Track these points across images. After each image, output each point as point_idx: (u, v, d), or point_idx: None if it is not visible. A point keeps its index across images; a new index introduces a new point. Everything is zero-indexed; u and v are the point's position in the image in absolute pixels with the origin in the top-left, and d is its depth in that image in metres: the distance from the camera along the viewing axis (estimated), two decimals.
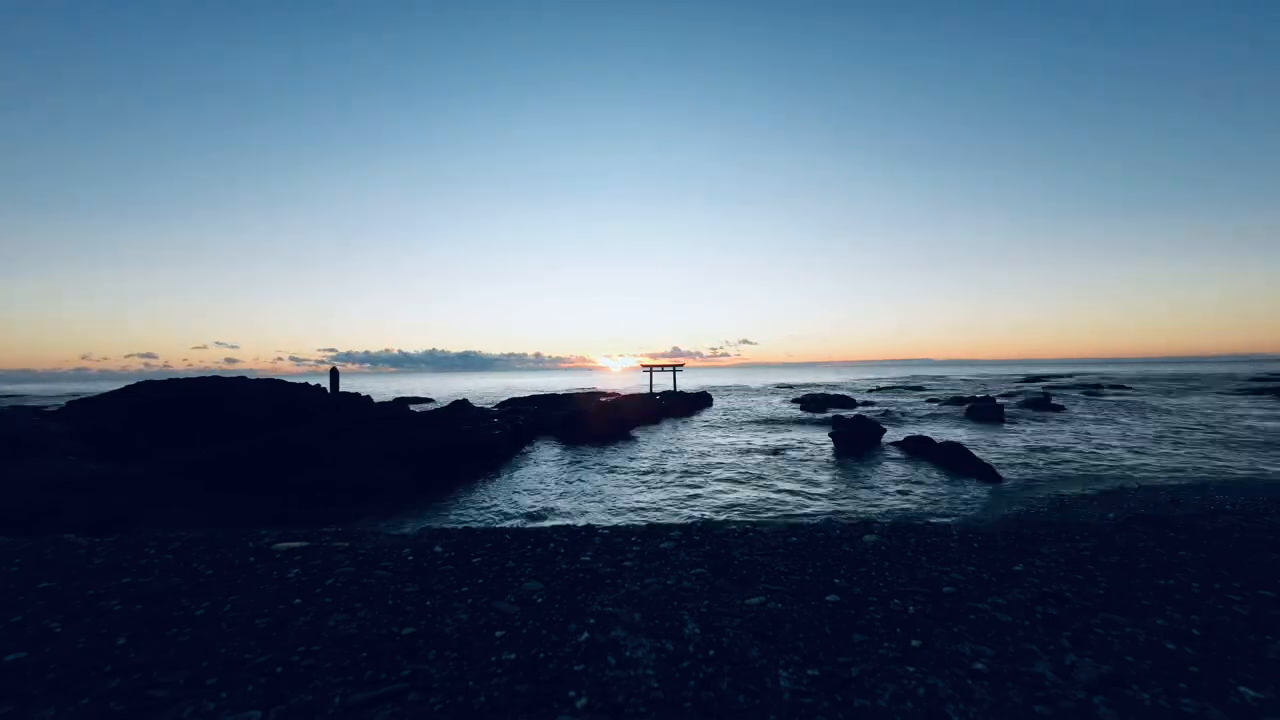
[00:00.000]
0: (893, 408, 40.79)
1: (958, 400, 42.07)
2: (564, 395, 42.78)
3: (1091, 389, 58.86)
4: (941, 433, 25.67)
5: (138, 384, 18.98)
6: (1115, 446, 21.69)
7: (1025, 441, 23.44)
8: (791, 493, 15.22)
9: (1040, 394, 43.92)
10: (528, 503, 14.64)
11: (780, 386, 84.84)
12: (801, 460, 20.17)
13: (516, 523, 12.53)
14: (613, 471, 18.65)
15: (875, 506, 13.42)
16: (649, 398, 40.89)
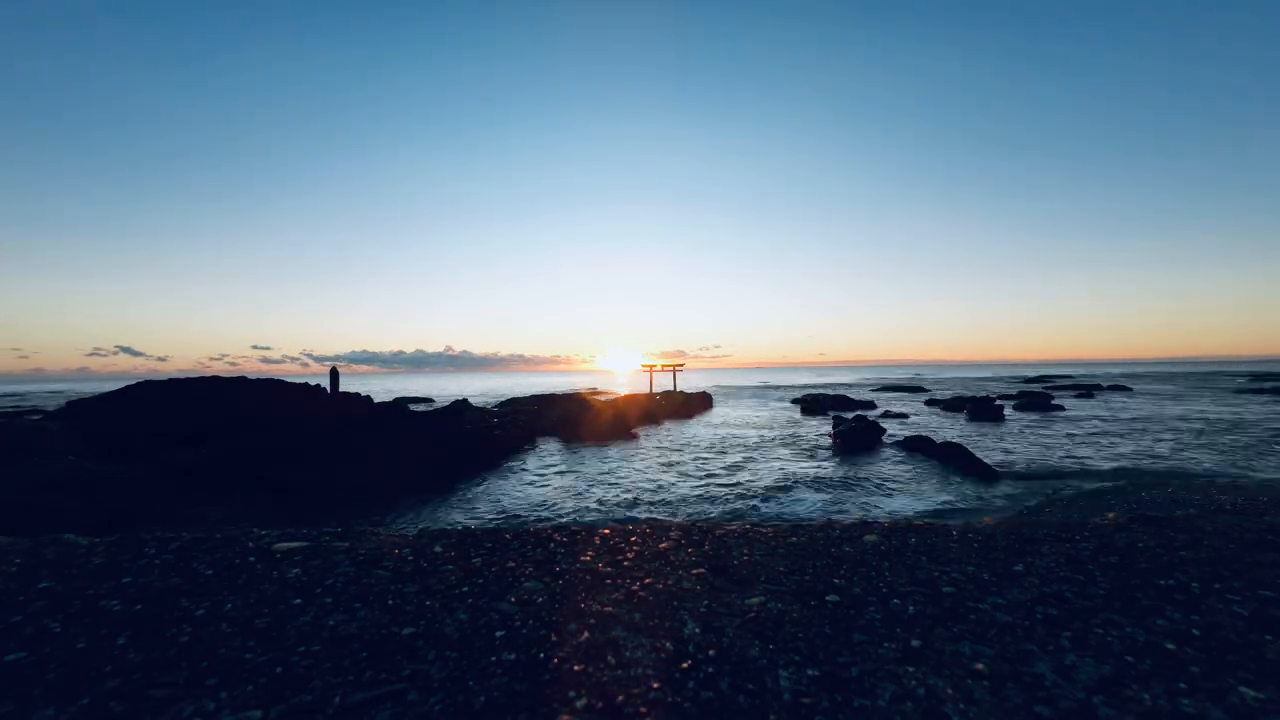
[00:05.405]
0: (892, 408, 40.77)
1: (957, 401, 42.06)
2: (564, 395, 42.78)
3: (1091, 390, 58.88)
4: (941, 433, 25.66)
5: (137, 384, 18.97)
6: (1115, 446, 21.68)
7: (1025, 442, 23.42)
8: (791, 493, 15.21)
9: (1040, 394, 43.92)
10: (528, 503, 14.63)
11: (780, 387, 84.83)
12: (801, 460, 20.15)
13: (516, 523, 12.52)
14: (613, 472, 18.64)
15: (875, 506, 13.41)
16: (649, 398, 40.90)
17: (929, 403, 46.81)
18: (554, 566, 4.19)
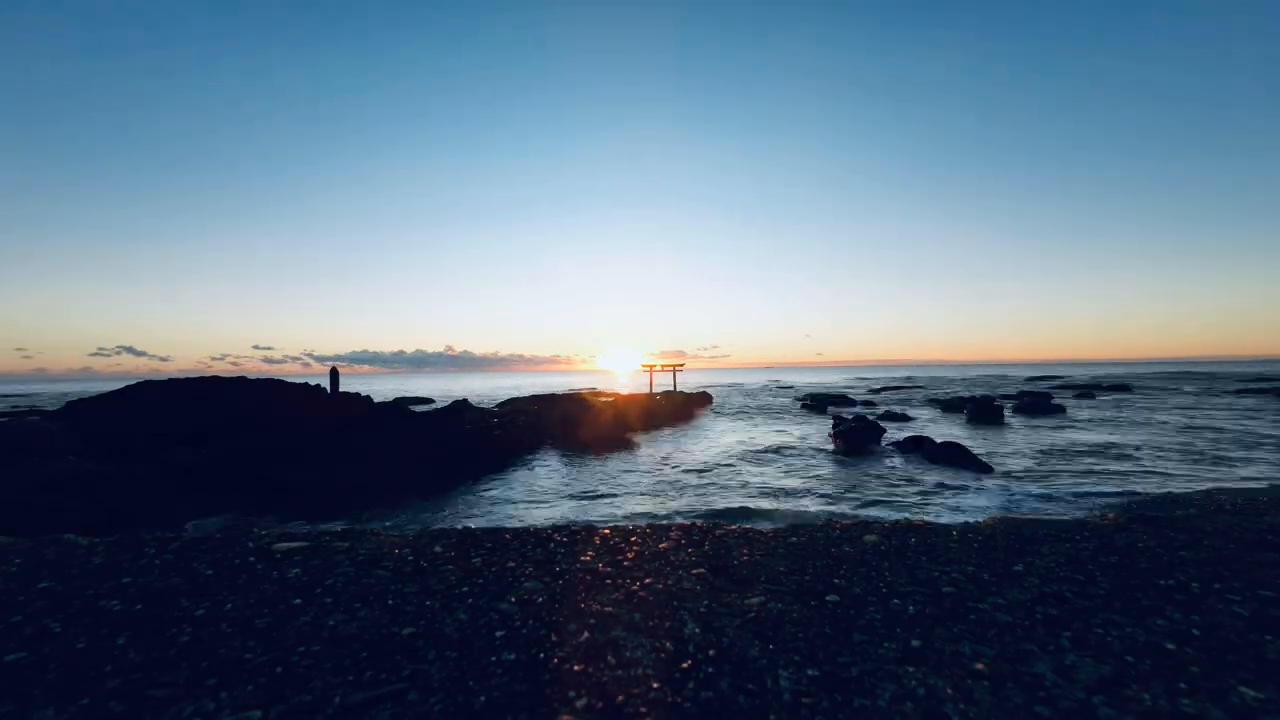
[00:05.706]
0: (892, 408, 40.79)
1: (958, 401, 42.08)
2: (564, 395, 42.78)
3: (1091, 390, 58.89)
4: (941, 433, 25.64)
5: (138, 384, 18.97)
6: (1115, 446, 21.69)
7: (1025, 442, 23.43)
8: (791, 492, 15.21)
9: (1040, 394, 43.93)
10: (528, 503, 14.64)
11: (780, 387, 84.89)
12: (801, 460, 20.15)
13: (516, 523, 12.51)
14: (612, 471, 18.65)
15: (875, 506, 13.41)
16: (649, 398, 40.92)
17: (929, 403, 46.84)
18: (554, 566, 4.19)
